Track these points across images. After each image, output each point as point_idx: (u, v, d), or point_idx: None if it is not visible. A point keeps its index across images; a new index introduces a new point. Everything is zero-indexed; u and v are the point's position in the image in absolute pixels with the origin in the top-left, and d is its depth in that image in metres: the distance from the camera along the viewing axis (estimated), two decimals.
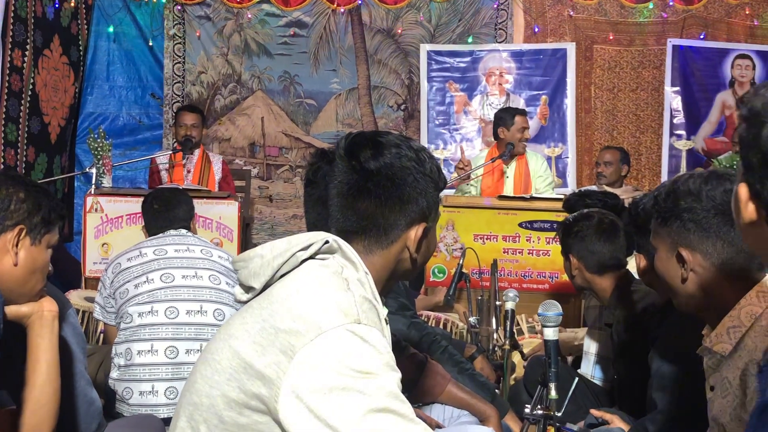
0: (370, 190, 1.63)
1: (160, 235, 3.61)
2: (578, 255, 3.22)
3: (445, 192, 5.87)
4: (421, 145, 1.74)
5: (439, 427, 2.66)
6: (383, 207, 1.65)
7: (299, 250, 1.57)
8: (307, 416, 1.40)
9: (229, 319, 1.62)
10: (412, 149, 1.67)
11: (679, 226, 1.86)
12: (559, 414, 2.50)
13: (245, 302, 1.63)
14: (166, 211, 3.68)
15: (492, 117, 7.17)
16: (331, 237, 1.60)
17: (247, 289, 1.62)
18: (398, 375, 1.48)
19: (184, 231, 3.64)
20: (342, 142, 1.69)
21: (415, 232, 1.68)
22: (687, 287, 1.88)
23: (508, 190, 5.76)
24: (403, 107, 7.70)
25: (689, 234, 1.85)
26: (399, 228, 1.67)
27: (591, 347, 3.58)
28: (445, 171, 6.14)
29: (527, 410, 2.48)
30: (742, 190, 1.28)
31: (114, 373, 3.31)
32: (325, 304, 1.48)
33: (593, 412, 2.93)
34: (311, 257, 1.59)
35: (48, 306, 2.13)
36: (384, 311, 1.64)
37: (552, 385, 2.42)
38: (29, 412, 2.05)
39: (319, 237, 1.59)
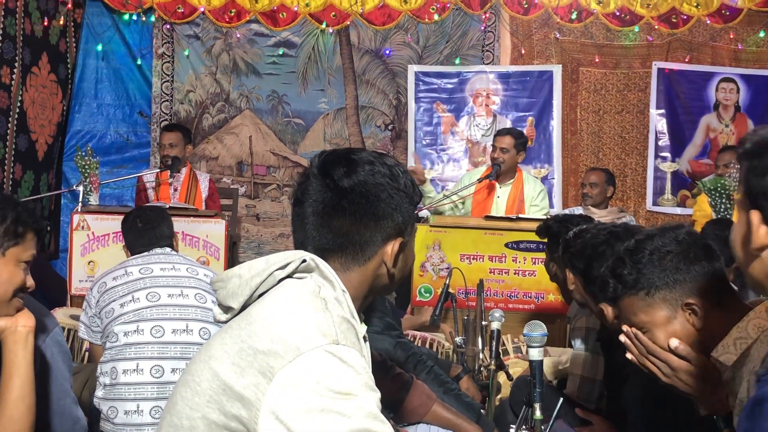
0: (345, 207, 1.63)
1: (146, 253, 3.58)
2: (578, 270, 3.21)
3: (432, 214, 5.90)
4: (396, 160, 1.73)
5: None
6: (358, 224, 1.64)
7: (277, 269, 1.57)
8: None
9: (210, 339, 1.61)
10: (385, 165, 1.67)
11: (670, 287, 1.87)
12: None
13: (225, 322, 1.63)
14: (151, 229, 3.65)
15: (479, 138, 7.20)
16: (308, 256, 1.60)
17: (226, 309, 1.62)
18: (377, 395, 1.48)
19: (168, 249, 3.63)
20: (315, 161, 1.68)
21: (391, 248, 1.68)
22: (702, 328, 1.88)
23: (499, 210, 5.72)
24: (390, 127, 7.71)
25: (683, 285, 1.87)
26: (375, 244, 1.66)
27: (577, 368, 3.57)
28: (432, 189, 6.24)
29: (512, 430, 2.49)
30: (754, 216, 1.30)
31: (99, 392, 3.28)
32: (304, 324, 1.48)
33: (578, 411, 2.94)
34: (289, 276, 1.58)
35: (23, 321, 2.11)
36: (362, 329, 1.64)
37: (537, 405, 2.43)
38: (1, 429, 2.02)
39: (296, 256, 1.59)
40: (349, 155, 1.67)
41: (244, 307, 1.59)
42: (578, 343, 3.60)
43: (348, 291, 1.62)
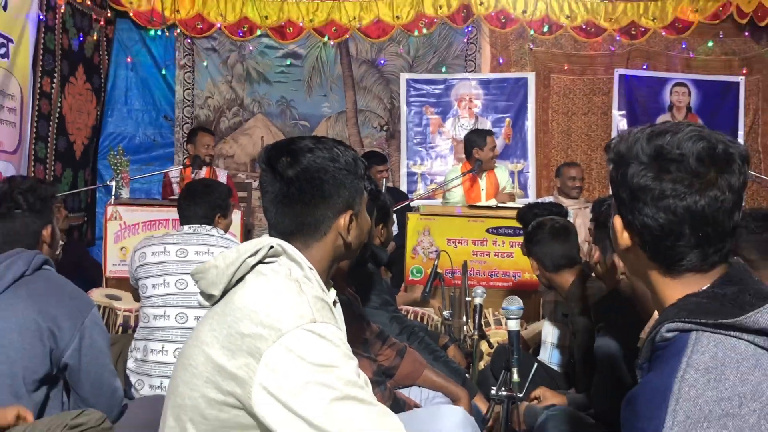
0: (294, 195, 1.61)
1: (187, 229, 3.44)
2: (536, 257, 3.24)
3: (426, 201, 5.93)
4: (338, 141, 1.70)
5: (417, 406, 2.67)
6: (309, 206, 1.63)
7: (248, 257, 1.55)
8: (279, 409, 1.40)
9: (198, 325, 1.60)
10: (325, 148, 1.64)
11: None
12: (521, 395, 2.51)
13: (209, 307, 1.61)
14: (187, 206, 3.51)
15: (462, 137, 7.22)
16: (275, 241, 1.58)
17: (208, 297, 1.60)
18: (355, 362, 1.47)
19: (208, 227, 3.45)
20: (262, 155, 1.66)
21: (343, 220, 1.65)
22: None
23: (483, 197, 5.83)
24: (385, 128, 7.71)
25: None
26: (328, 220, 1.64)
27: (548, 337, 3.59)
28: (421, 184, 6.29)
29: (493, 392, 2.49)
30: (617, 221, 1.31)
31: (131, 364, 3.30)
32: (283, 308, 1.46)
33: (532, 394, 2.96)
34: (261, 262, 1.57)
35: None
36: (332, 294, 1.64)
37: (514, 370, 2.44)
38: None
39: (264, 243, 1.57)
40: (290, 146, 1.64)
41: (224, 293, 1.57)
42: (548, 315, 3.63)
43: (314, 266, 1.61)
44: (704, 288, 1.24)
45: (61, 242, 5.24)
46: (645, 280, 1.33)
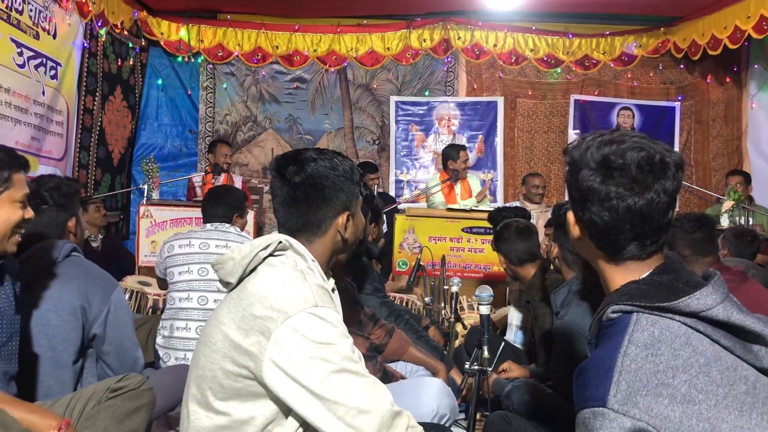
0: (300, 198, 1.61)
1: (209, 227, 3.44)
2: (503, 253, 3.25)
3: (411, 204, 5.93)
4: (337, 152, 1.70)
5: (403, 378, 2.67)
6: (313, 208, 1.62)
7: (261, 250, 1.55)
8: (286, 379, 1.41)
9: (217, 308, 1.60)
10: (326, 158, 1.64)
11: None
12: (491, 369, 2.52)
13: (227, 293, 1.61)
14: (211, 206, 3.51)
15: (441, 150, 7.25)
16: (283, 237, 1.59)
17: (226, 284, 1.60)
18: (351, 341, 1.48)
19: (227, 225, 3.44)
20: (273, 163, 1.66)
21: (341, 220, 1.65)
22: None
23: (459, 197, 5.83)
24: (377, 142, 7.70)
25: None
26: (329, 219, 1.64)
27: (513, 320, 3.60)
28: (407, 190, 6.27)
29: (467, 366, 2.50)
30: (570, 216, 1.33)
31: (159, 340, 3.29)
32: (289, 294, 1.47)
33: (501, 367, 2.96)
34: (271, 254, 1.57)
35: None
36: (330, 283, 1.63)
37: (485, 348, 2.45)
38: None
39: (274, 238, 1.57)
40: (297, 156, 1.64)
41: (240, 281, 1.57)
42: (514, 302, 3.63)
43: (316, 259, 1.61)
44: (644, 276, 1.25)
45: (94, 235, 5.24)
46: (595, 265, 1.33)
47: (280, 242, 1.57)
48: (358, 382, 1.43)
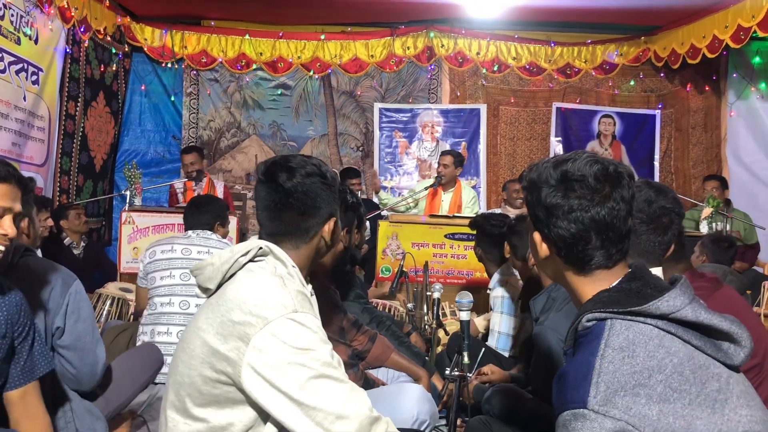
0: (292, 204, 1.61)
1: (191, 233, 3.48)
2: (512, 245, 3.21)
3: (391, 212, 5.93)
4: (320, 159, 1.70)
5: (384, 384, 2.67)
6: (304, 215, 1.62)
7: (240, 256, 1.55)
8: (264, 385, 1.40)
9: (196, 314, 1.59)
10: (315, 166, 1.64)
11: None
12: (471, 374, 2.52)
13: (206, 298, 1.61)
14: (195, 214, 3.56)
15: (426, 157, 7.26)
16: (263, 243, 1.58)
17: (205, 290, 1.60)
18: (330, 346, 1.48)
19: (208, 233, 3.49)
20: (261, 168, 1.65)
21: (328, 227, 1.66)
22: None
23: (444, 209, 5.80)
24: (361, 149, 7.71)
25: None
26: (317, 226, 1.65)
27: (496, 326, 3.60)
28: (390, 195, 6.28)
29: (447, 372, 2.50)
30: (536, 236, 1.35)
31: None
32: (268, 300, 1.46)
33: (482, 370, 2.96)
34: (251, 260, 1.56)
35: None
36: (308, 288, 1.63)
37: (465, 353, 2.45)
38: None
39: (254, 244, 1.57)
40: (287, 163, 1.63)
41: (219, 286, 1.57)
42: (496, 308, 3.64)
43: (298, 264, 1.61)
44: (613, 284, 1.29)
45: (75, 242, 5.15)
46: (564, 281, 1.36)
47: (261, 248, 1.57)
48: (337, 387, 1.43)
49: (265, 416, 1.46)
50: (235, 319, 1.44)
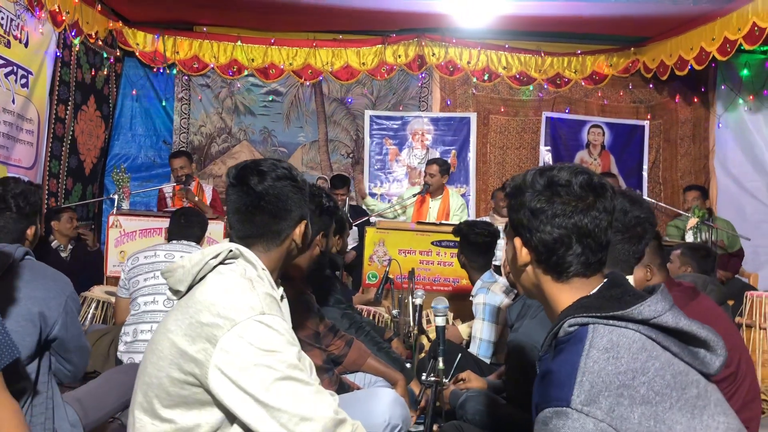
0: (263, 207, 1.62)
1: (174, 242, 3.58)
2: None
3: (379, 218, 5.95)
4: (290, 163, 1.71)
5: (359, 389, 2.68)
6: (276, 217, 1.64)
7: (211, 259, 1.56)
8: (231, 386, 1.41)
9: (166, 316, 1.59)
10: (285, 169, 1.65)
11: None
12: (447, 380, 2.53)
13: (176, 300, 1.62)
14: (187, 226, 3.65)
15: (416, 165, 7.28)
16: (234, 246, 1.59)
17: (175, 292, 1.61)
18: (297, 348, 1.49)
19: (194, 243, 3.60)
20: (232, 172, 1.66)
21: (299, 229, 1.68)
22: None
23: (432, 216, 5.81)
24: (351, 156, 7.72)
25: None
26: (288, 229, 1.66)
27: (477, 332, 3.61)
28: (379, 201, 6.29)
29: (423, 377, 2.49)
30: (517, 242, 1.36)
31: (121, 347, 3.28)
32: (236, 302, 1.47)
33: (459, 376, 2.97)
34: (221, 263, 1.58)
35: None
36: (279, 291, 1.64)
37: (440, 359, 2.44)
38: None
39: (224, 247, 1.58)
40: (258, 167, 1.64)
41: (189, 289, 1.58)
42: (478, 314, 3.65)
43: (268, 267, 1.62)
44: (593, 292, 1.30)
45: (63, 245, 5.16)
46: (539, 290, 1.36)
47: (231, 251, 1.58)
48: (302, 389, 1.44)
49: (231, 418, 1.47)
50: (204, 320, 1.45)
